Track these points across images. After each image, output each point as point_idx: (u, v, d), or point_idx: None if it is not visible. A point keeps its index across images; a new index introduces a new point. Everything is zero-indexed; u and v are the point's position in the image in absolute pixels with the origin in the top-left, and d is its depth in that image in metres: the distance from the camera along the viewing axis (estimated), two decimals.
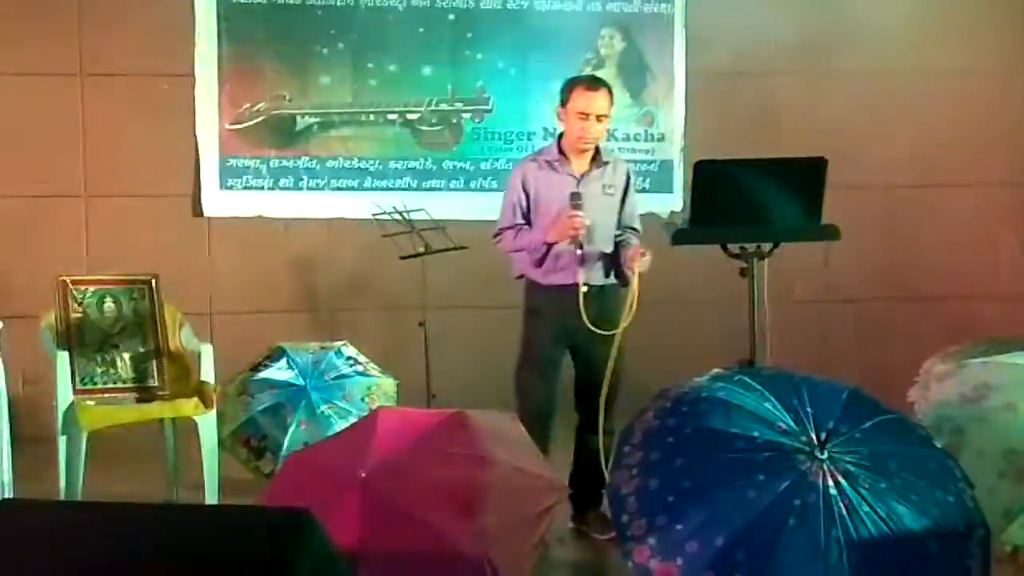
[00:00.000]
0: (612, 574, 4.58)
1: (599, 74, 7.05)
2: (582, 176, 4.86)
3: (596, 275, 4.86)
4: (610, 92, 4.88)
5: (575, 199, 4.73)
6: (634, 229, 4.99)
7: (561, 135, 4.92)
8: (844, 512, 3.07)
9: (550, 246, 4.81)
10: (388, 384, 5.89)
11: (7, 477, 4.67)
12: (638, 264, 4.69)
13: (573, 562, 4.81)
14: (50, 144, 7.03)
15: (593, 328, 4.71)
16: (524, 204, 4.89)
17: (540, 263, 4.86)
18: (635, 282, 4.69)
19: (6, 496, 4.60)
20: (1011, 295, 7.78)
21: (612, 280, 4.91)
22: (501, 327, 6.86)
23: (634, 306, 4.66)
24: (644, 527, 3.09)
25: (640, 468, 3.24)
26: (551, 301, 4.84)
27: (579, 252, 4.73)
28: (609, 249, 4.90)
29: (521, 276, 4.96)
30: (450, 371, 6.35)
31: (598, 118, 4.78)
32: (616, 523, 3.19)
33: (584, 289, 4.73)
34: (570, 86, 4.87)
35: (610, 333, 4.73)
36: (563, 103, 4.85)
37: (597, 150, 4.91)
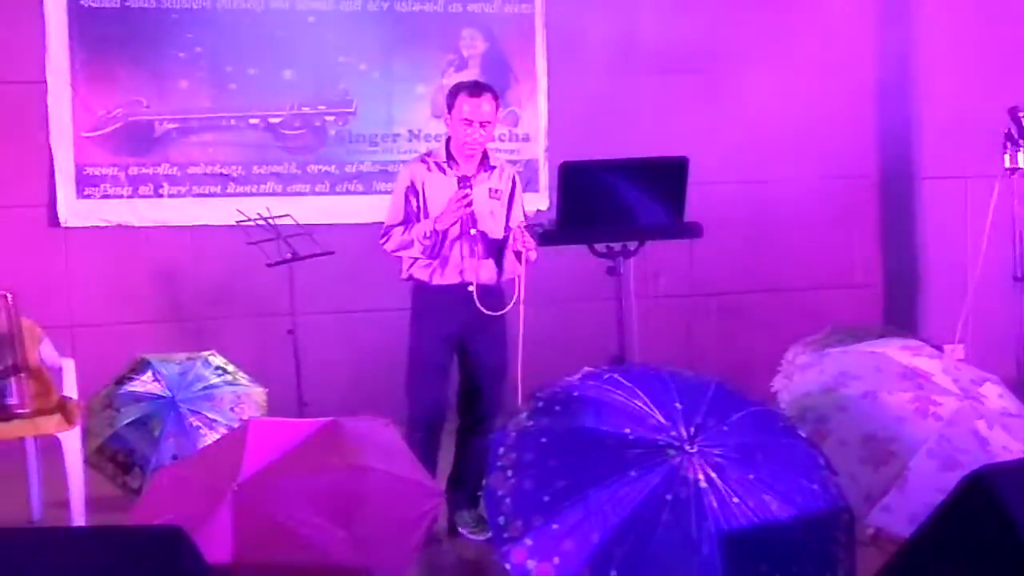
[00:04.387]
0: (490, 575, 4.60)
1: (463, 76, 7.10)
2: (470, 179, 4.85)
3: (484, 274, 4.85)
4: (495, 97, 4.84)
5: (464, 183, 4.73)
6: None
7: (449, 138, 4.91)
8: (715, 504, 3.14)
9: (442, 238, 4.77)
10: (258, 393, 5.82)
11: None
12: (520, 237, 4.68)
13: (451, 565, 4.81)
14: None
15: (484, 311, 4.70)
16: (414, 204, 4.84)
17: (432, 256, 4.80)
18: (522, 269, 4.69)
19: None
20: (864, 284, 8.06)
21: (499, 279, 4.88)
22: (372, 331, 6.88)
23: (522, 293, 4.65)
24: (520, 528, 3.12)
25: (515, 469, 3.27)
26: (440, 302, 4.83)
27: (473, 233, 4.73)
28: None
29: (409, 278, 4.92)
30: (321, 378, 6.30)
31: (482, 124, 4.77)
32: (492, 524, 3.21)
33: (472, 288, 4.74)
34: (454, 92, 4.85)
35: (498, 313, 4.74)
36: (449, 109, 4.83)
37: (485, 154, 4.90)
